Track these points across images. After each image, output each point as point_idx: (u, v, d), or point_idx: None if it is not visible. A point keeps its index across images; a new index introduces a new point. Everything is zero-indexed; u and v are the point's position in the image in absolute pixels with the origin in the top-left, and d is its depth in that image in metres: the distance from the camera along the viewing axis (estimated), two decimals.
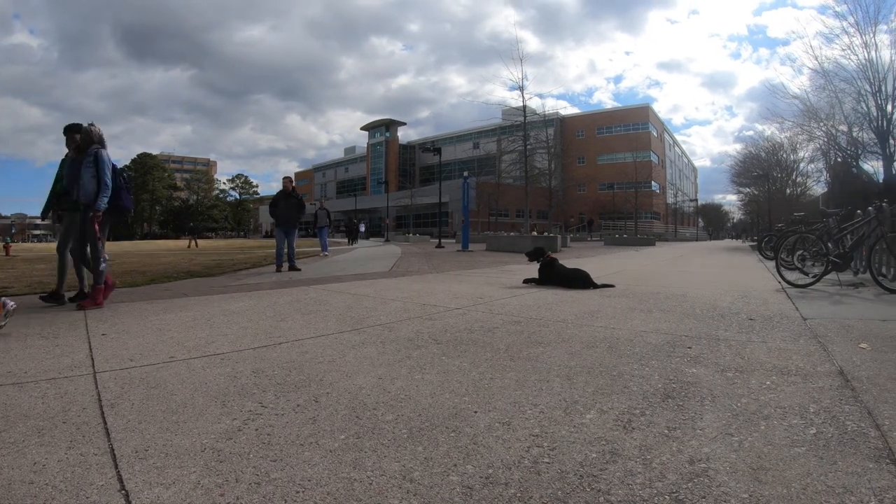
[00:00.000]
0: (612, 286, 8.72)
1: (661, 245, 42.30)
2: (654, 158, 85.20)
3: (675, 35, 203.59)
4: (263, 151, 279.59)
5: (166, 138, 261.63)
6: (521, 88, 34.94)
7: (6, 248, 31.89)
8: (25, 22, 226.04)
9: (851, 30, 26.18)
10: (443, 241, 34.12)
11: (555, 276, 9.15)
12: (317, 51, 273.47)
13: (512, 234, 34.45)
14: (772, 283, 9.45)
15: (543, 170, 46.27)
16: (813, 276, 8.80)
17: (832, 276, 9.10)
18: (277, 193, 14.33)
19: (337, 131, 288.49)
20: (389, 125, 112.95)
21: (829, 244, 9.24)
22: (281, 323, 5.65)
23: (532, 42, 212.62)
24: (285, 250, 13.77)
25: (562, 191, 60.87)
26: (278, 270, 13.16)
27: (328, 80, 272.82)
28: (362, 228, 53.82)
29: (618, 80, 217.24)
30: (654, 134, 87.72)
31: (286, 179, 14.49)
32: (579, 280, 8.78)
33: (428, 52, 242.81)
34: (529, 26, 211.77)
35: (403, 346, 4.50)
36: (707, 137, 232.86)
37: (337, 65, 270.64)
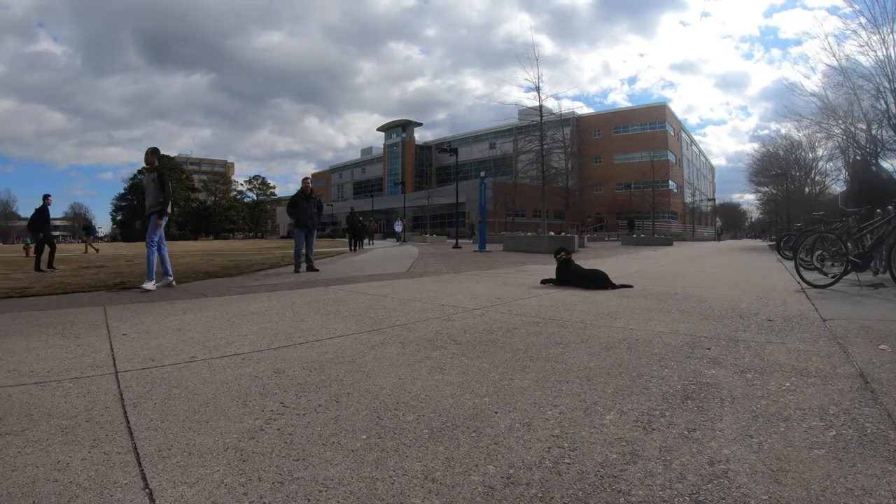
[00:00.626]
0: (630, 286, 8.71)
1: (679, 245, 42.12)
2: (671, 157, 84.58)
3: (688, 37, 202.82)
4: (281, 154, 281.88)
5: (186, 141, 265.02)
6: (538, 89, 34.84)
7: (26, 249, 32.18)
8: (49, 30, 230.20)
9: (869, 25, 25.96)
10: (460, 241, 34.13)
11: (572, 276, 9.15)
12: (335, 55, 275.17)
13: (529, 234, 34.37)
14: (791, 284, 9.40)
15: (560, 169, 46.13)
16: (832, 277, 8.74)
17: (852, 276, 9.02)
18: (297, 194, 14.36)
19: (354, 133, 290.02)
20: (406, 126, 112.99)
21: (849, 244, 9.18)
22: (300, 323, 5.70)
23: (547, 45, 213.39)
24: (303, 251, 13.88)
25: (579, 190, 60.78)
26: (297, 271, 13.25)
27: (346, 84, 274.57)
28: (399, 228, 51.51)
29: (632, 81, 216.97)
30: (671, 133, 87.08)
31: (305, 180, 14.51)
32: (597, 280, 8.78)
33: (444, 55, 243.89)
34: (544, 30, 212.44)
35: (423, 346, 4.53)
36: (722, 137, 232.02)
37: (355, 69, 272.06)
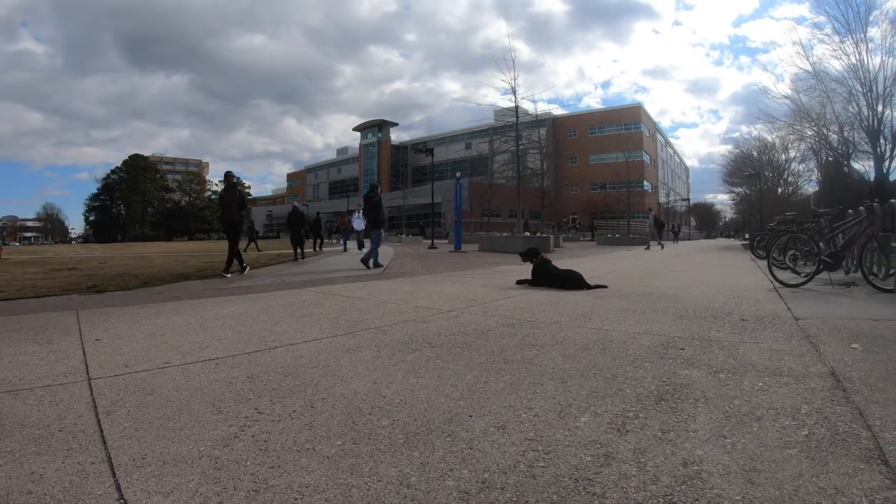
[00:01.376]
0: (605, 287, 8.75)
1: (653, 244, 42.39)
2: (646, 158, 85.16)
3: (660, 44, 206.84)
4: (258, 154, 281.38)
5: (163, 141, 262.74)
6: (514, 90, 34.82)
7: None
8: (32, 30, 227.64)
9: (842, 30, 26.38)
10: (436, 241, 34.05)
11: (548, 276, 9.17)
12: (315, 57, 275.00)
13: (505, 234, 34.41)
14: (764, 283, 9.49)
15: (536, 170, 46.23)
16: (805, 276, 8.85)
17: (824, 275, 9.14)
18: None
19: (332, 135, 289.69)
20: (382, 126, 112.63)
21: (821, 244, 9.29)
22: (275, 327, 5.65)
23: (523, 50, 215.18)
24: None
25: (554, 191, 61.00)
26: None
27: (325, 86, 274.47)
28: (359, 225, 39.42)
29: (606, 85, 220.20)
30: (646, 133, 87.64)
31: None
32: (572, 281, 8.81)
33: (423, 59, 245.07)
34: (521, 36, 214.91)
35: (398, 349, 4.51)
36: (694, 139, 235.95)
37: (335, 72, 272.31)
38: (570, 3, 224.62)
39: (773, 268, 9.53)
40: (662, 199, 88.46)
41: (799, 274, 9.21)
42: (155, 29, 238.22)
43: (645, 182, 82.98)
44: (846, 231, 9.27)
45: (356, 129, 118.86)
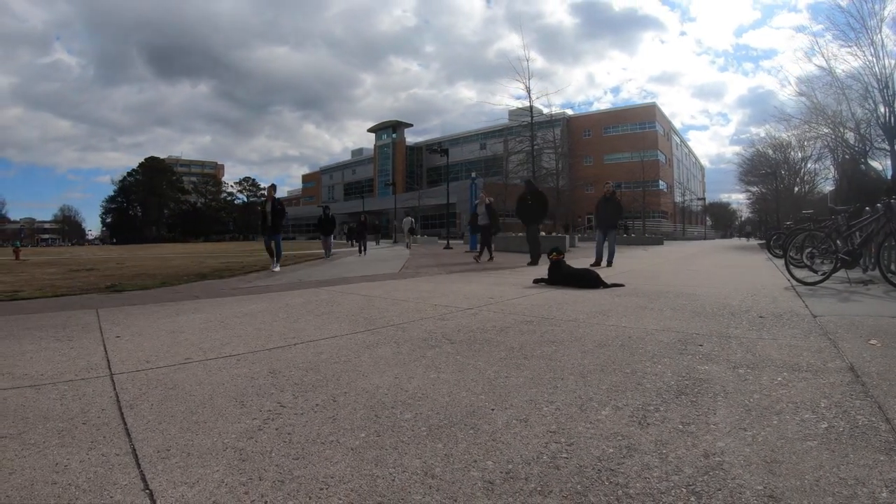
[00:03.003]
0: (621, 285, 8.74)
1: (670, 244, 42.27)
2: (661, 157, 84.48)
3: (667, 52, 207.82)
4: (276, 158, 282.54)
5: (185, 146, 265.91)
6: (528, 89, 34.78)
7: (16, 252, 32.11)
8: (65, 43, 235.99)
9: (857, 24, 26.17)
10: (451, 242, 34.07)
11: (564, 276, 9.18)
12: (337, 67, 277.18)
13: (520, 234, 34.28)
14: (781, 281, 9.46)
15: (551, 170, 46.13)
16: (822, 274, 8.81)
17: (841, 273, 9.10)
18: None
19: (350, 139, 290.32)
20: (396, 127, 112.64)
21: (839, 241, 9.24)
22: (294, 324, 5.71)
23: (536, 60, 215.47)
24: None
25: (569, 191, 60.72)
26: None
27: (345, 94, 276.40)
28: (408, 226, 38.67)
29: (616, 91, 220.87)
30: (661, 132, 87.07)
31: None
32: (589, 280, 8.82)
33: (440, 69, 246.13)
34: (533, 46, 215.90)
35: (418, 345, 4.55)
36: (704, 142, 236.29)
37: (355, 80, 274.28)
38: (578, 15, 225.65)
39: (791, 266, 9.50)
40: (678, 199, 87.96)
41: (816, 272, 9.18)
42: (180, 41, 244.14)
43: (660, 181, 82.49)
44: (864, 228, 9.21)
45: (371, 130, 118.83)
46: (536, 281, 9.51)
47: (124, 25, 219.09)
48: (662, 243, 40.82)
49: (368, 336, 5.01)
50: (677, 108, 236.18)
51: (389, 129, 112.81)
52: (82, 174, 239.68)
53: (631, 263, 16.04)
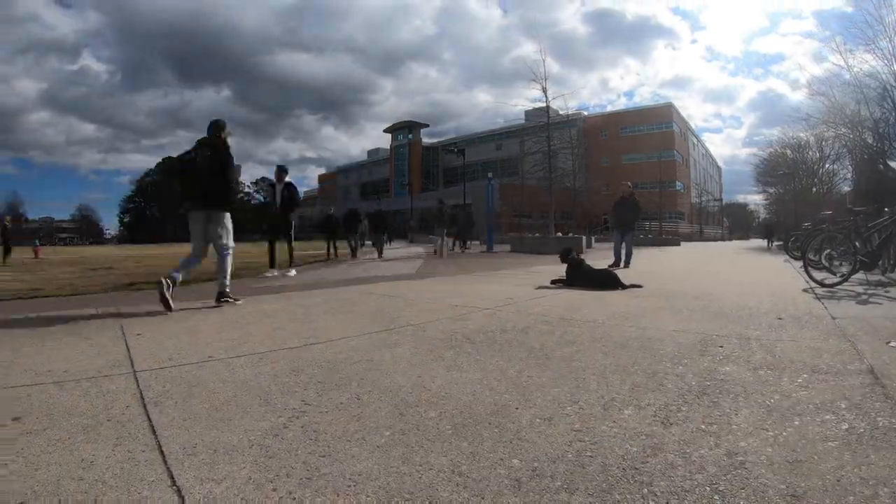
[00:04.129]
0: (640, 286, 8.74)
1: (686, 245, 42.07)
2: (678, 157, 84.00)
3: (678, 59, 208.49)
4: (295, 160, 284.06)
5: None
6: (544, 90, 34.62)
7: (35, 251, 32.42)
8: (93, 51, 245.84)
9: (875, 23, 25.98)
10: (468, 242, 33.99)
11: (583, 276, 9.20)
12: (357, 73, 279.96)
13: (537, 235, 34.25)
14: (799, 283, 9.43)
15: (567, 170, 46.05)
16: (841, 276, 8.78)
17: (860, 275, 9.07)
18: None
19: (369, 141, 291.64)
20: (412, 127, 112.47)
21: (857, 243, 9.19)
22: (312, 324, 5.76)
23: (552, 66, 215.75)
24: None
25: (586, 191, 60.55)
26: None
27: (365, 98, 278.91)
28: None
29: (630, 95, 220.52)
30: (678, 132, 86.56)
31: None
32: (607, 281, 8.84)
33: (458, 74, 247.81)
34: (548, 53, 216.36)
35: (438, 345, 4.59)
36: (719, 144, 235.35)
37: (375, 85, 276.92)
38: (591, 25, 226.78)
39: (809, 268, 9.45)
40: (695, 200, 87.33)
41: (835, 274, 9.14)
42: (205, 49, 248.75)
43: (677, 182, 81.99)
44: (883, 230, 9.17)
45: (387, 130, 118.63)
46: (554, 282, 9.51)
47: (150, 34, 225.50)
48: (679, 244, 40.62)
49: (388, 336, 5.06)
50: (691, 111, 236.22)
51: (405, 130, 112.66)
52: (103, 174, 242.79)
53: (648, 264, 16.03)
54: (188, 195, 7.52)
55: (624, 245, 14.82)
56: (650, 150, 78.04)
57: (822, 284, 8.68)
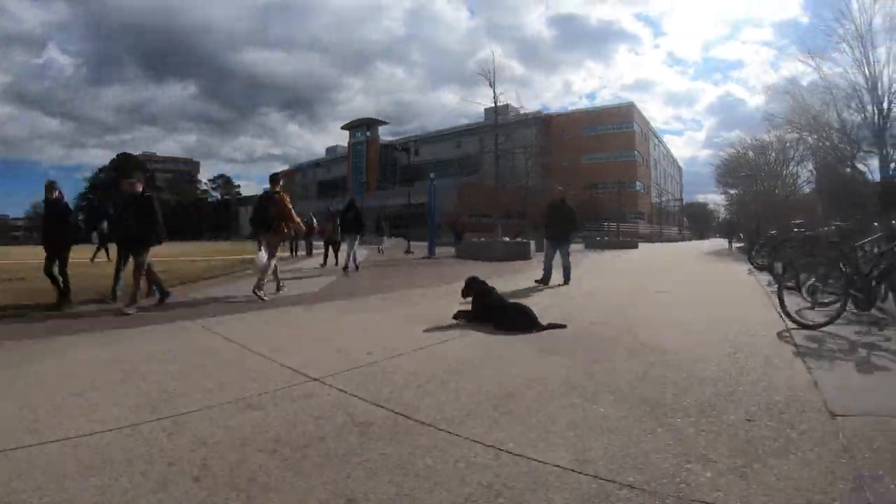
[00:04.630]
0: (562, 327, 6.72)
1: (645, 247, 40.32)
2: (638, 157, 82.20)
3: (640, 63, 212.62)
4: (260, 157, 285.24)
5: (170, 145, 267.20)
6: (492, 84, 32.50)
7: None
8: (59, 44, 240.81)
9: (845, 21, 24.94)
10: (418, 244, 31.45)
11: (491, 310, 7.14)
12: (324, 71, 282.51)
13: (482, 238, 31.96)
14: (771, 316, 7.41)
15: (518, 169, 44.78)
16: (826, 317, 6.65)
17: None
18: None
19: (333, 139, 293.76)
20: (370, 124, 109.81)
21: (849, 270, 7.08)
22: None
23: (517, 68, 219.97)
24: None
25: (541, 190, 59.09)
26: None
27: (331, 97, 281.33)
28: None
29: (591, 96, 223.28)
30: (639, 132, 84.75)
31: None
32: (519, 320, 6.77)
33: (425, 75, 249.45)
34: (514, 56, 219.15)
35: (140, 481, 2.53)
36: (680, 146, 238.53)
37: (342, 84, 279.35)
38: (556, 28, 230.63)
39: (783, 293, 7.28)
40: (655, 200, 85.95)
41: (813, 306, 7.10)
42: (172, 45, 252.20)
43: (637, 182, 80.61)
44: (882, 258, 7.12)
45: (344, 127, 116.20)
46: (459, 315, 7.44)
47: (117, 29, 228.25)
48: (637, 247, 38.90)
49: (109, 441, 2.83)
50: (653, 113, 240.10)
51: (364, 127, 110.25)
52: (65, 170, 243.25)
53: (593, 279, 14.06)
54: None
55: (560, 258, 12.61)
56: (611, 150, 76.71)
57: (801, 325, 6.57)
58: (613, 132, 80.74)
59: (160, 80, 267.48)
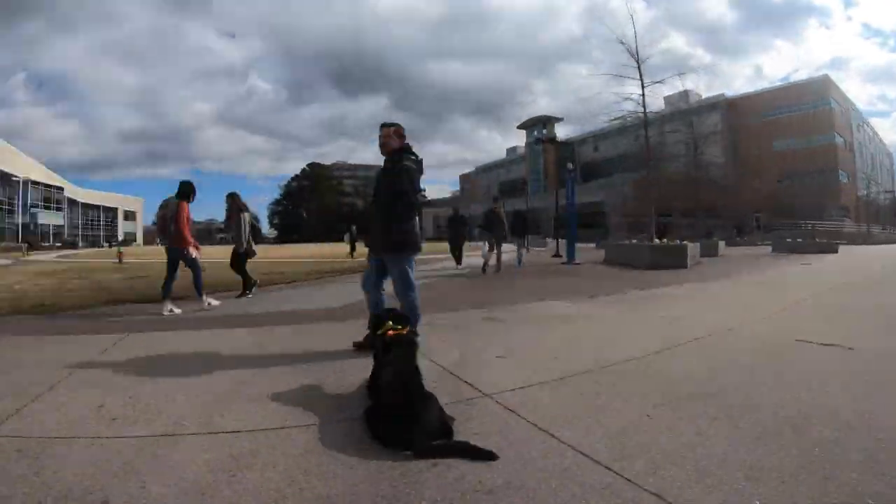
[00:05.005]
0: (490, 457, 3.24)
1: (846, 251, 32.54)
2: (839, 140, 72.33)
3: (832, 38, 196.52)
4: (451, 162, 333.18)
5: (367, 155, 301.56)
6: (639, 66, 27.84)
7: (119, 255, 34.72)
8: (260, 73, 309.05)
9: None
10: (582, 247, 28.74)
11: (379, 396, 4.09)
12: (509, 77, 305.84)
13: (633, 241, 28.41)
14: None
15: (711, 161, 41.17)
16: None
17: None
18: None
19: (518, 140, 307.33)
20: (546, 122, 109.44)
21: None
22: None
23: (703, 56, 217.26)
24: None
25: (735, 185, 54.59)
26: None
27: (516, 100, 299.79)
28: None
29: (785, 80, 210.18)
30: (838, 111, 73.97)
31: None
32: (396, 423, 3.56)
33: (608, 71, 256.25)
34: (698, 44, 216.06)
35: None
36: (887, 129, 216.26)
37: (527, 88, 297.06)
38: (737, 9, 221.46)
39: None
40: (861, 192, 74.79)
41: None
42: (360, 64, 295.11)
43: (840, 171, 71.71)
44: None
45: (520, 126, 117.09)
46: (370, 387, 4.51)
47: (311, 55, 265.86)
48: (836, 250, 31.38)
49: None
50: (852, 93, 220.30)
51: (540, 125, 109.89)
52: (272, 180, 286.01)
53: (754, 301, 10.04)
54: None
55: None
56: (806, 134, 68.47)
57: None
58: (807, 112, 72.19)
59: (353, 96, 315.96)
